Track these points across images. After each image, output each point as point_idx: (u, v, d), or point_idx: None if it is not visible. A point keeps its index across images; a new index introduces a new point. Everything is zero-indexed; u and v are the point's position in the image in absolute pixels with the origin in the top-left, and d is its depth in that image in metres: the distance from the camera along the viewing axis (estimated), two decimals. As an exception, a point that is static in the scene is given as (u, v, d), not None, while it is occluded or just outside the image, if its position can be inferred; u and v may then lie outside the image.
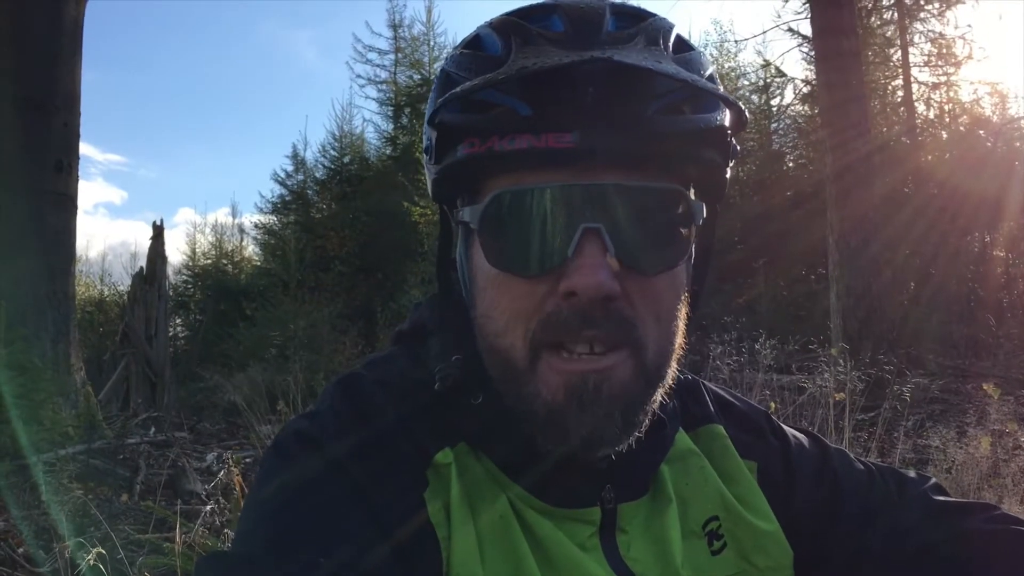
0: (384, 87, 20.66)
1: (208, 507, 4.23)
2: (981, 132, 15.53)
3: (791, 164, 18.07)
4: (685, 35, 0.89)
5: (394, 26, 20.47)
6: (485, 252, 0.82)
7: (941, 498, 1.04)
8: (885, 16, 17.52)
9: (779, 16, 22.11)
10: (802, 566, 0.98)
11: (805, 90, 17.36)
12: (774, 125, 18.53)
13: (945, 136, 16.51)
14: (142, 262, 12.62)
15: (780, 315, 12.82)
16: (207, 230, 23.18)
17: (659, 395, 0.85)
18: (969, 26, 19.12)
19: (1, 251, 7.60)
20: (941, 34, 16.78)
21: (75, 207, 8.30)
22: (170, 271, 15.62)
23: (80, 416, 7.18)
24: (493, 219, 0.81)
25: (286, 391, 6.88)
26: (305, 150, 22.17)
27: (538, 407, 0.80)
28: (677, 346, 0.87)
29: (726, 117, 0.84)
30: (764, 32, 25.29)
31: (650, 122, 0.78)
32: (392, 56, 20.54)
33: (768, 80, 18.50)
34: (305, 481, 0.80)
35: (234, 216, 24.85)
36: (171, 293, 16.54)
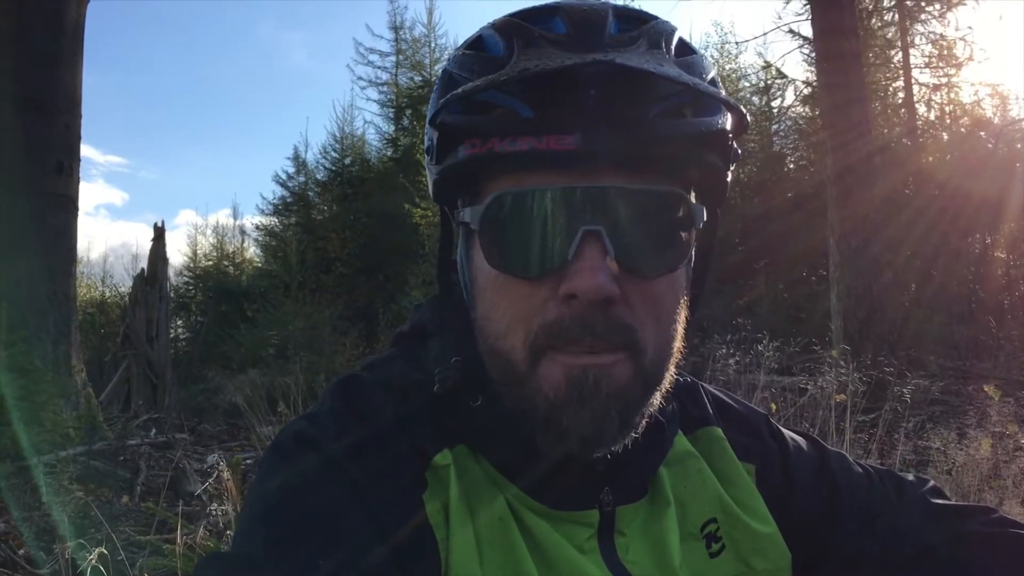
0: (385, 89, 20.68)
1: (209, 508, 4.23)
2: (982, 133, 15.54)
3: (792, 165, 18.06)
4: (686, 37, 0.90)
5: (395, 28, 20.49)
6: (485, 253, 0.82)
7: (940, 501, 1.04)
8: (886, 18, 17.53)
9: (780, 18, 22.16)
10: (800, 569, 0.98)
11: (806, 91, 17.37)
12: (775, 126, 18.53)
13: (946, 137, 16.52)
14: (143, 263, 12.61)
15: (781, 316, 12.83)
16: (208, 231, 23.20)
17: (657, 398, 0.85)
18: (970, 27, 19.24)
19: (2, 252, 7.61)
20: (942, 35, 16.80)
21: (76, 208, 8.30)
22: (171, 272, 15.62)
23: (81, 418, 7.18)
24: (493, 220, 0.81)
25: (287, 392, 6.88)
26: (306, 151, 22.19)
27: (539, 405, 0.80)
28: (676, 349, 0.87)
29: (727, 121, 0.84)
30: (765, 34, 25.32)
31: (651, 125, 0.78)
32: (393, 58, 20.55)
33: (769, 82, 18.50)
34: (304, 482, 0.80)
35: (235, 218, 24.91)
36: (172, 295, 16.53)
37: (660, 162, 0.80)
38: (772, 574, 0.96)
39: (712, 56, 18.71)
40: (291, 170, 20.77)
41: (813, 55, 13.24)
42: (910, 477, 1.10)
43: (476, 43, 0.89)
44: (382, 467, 0.82)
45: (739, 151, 0.89)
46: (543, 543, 0.85)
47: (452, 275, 0.98)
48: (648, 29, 0.84)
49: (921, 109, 17.28)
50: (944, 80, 17.12)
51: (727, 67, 19.13)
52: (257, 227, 21.34)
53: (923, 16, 16.93)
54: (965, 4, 15.88)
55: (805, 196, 14.68)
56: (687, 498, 0.97)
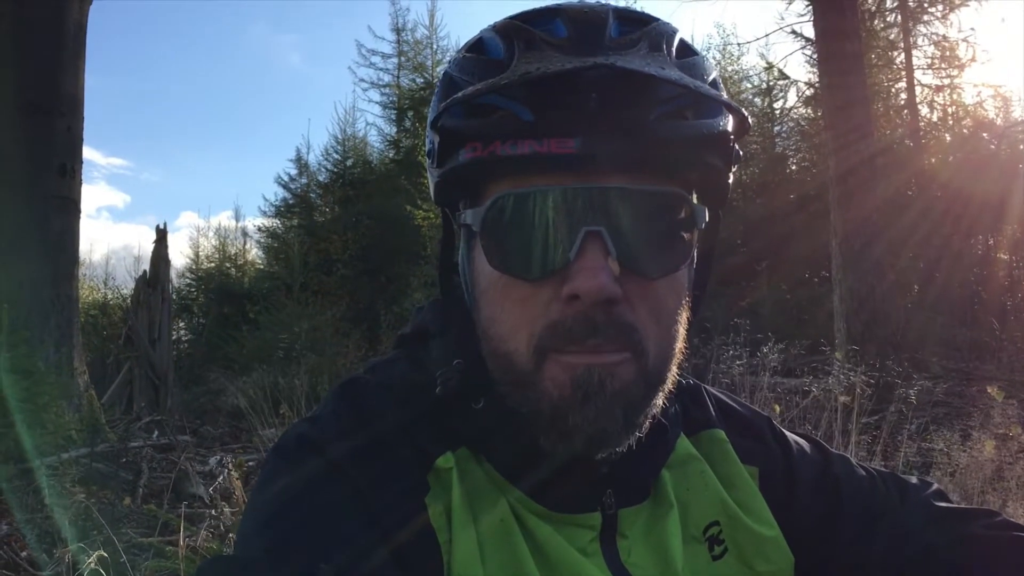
0: (387, 90, 20.69)
1: (211, 511, 4.23)
2: (984, 135, 15.51)
3: (794, 167, 18.05)
4: (688, 38, 0.89)
5: (397, 30, 20.50)
6: (487, 254, 0.82)
7: (943, 504, 1.04)
8: (888, 19, 17.52)
9: (782, 19, 22.09)
10: (803, 571, 0.98)
11: (808, 93, 17.35)
12: (777, 128, 18.52)
13: (948, 139, 16.49)
14: (145, 265, 12.60)
15: (783, 318, 12.80)
16: (210, 233, 23.23)
17: (660, 399, 0.85)
18: (972, 29, 19.18)
19: (4, 255, 7.62)
20: (944, 37, 16.78)
21: (78, 211, 8.31)
22: (173, 274, 15.61)
23: (83, 420, 7.19)
24: (495, 222, 0.81)
25: (289, 394, 6.88)
26: (308, 153, 22.20)
27: (543, 406, 0.80)
28: (678, 350, 0.87)
29: (729, 122, 0.84)
30: (767, 35, 25.35)
31: (652, 128, 0.78)
32: (395, 60, 20.56)
33: (771, 83, 18.49)
34: (306, 484, 0.80)
35: (237, 219, 24.87)
36: (174, 296, 16.52)
37: (661, 164, 0.80)
38: None
39: (714, 57, 18.71)
40: (293, 172, 20.81)
41: (815, 56, 13.22)
42: (913, 480, 1.10)
43: (477, 46, 0.89)
44: (384, 470, 0.82)
45: (740, 152, 0.89)
46: (545, 546, 0.85)
47: (454, 277, 0.98)
48: (649, 31, 0.83)
49: (923, 110, 17.28)
50: (946, 81, 17.11)
51: (729, 68, 19.14)
52: (259, 229, 21.35)
53: (925, 17, 16.93)
54: (967, 5, 15.92)
55: (807, 197, 14.66)
56: (689, 500, 0.97)
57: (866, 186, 9.44)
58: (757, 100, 18.76)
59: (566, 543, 0.85)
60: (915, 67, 17.09)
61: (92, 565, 2.63)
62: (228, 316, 17.58)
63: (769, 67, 18.15)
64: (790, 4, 16.86)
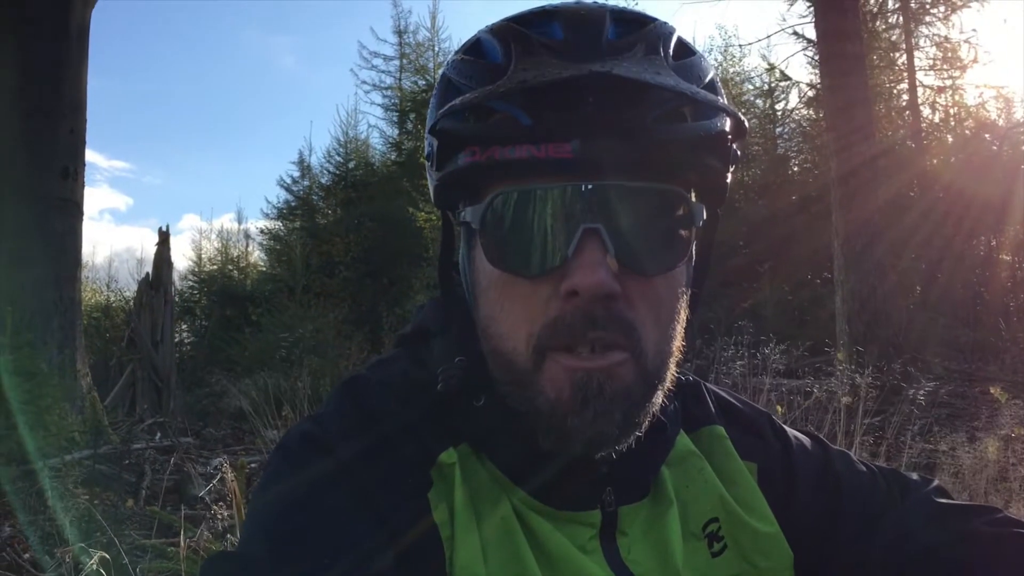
0: (389, 93, 20.69)
1: (212, 512, 4.23)
2: (986, 136, 15.51)
3: (796, 168, 18.05)
4: (689, 39, 0.90)
5: (399, 32, 20.50)
6: (486, 252, 0.83)
7: (944, 501, 1.03)
8: (890, 20, 17.52)
9: (784, 20, 22.17)
10: (803, 568, 0.98)
11: (810, 94, 17.36)
12: (779, 129, 18.52)
13: (950, 140, 16.50)
14: (148, 268, 12.62)
15: (785, 319, 12.79)
16: (212, 236, 23.24)
17: (659, 397, 0.85)
18: (974, 30, 19.20)
19: (8, 257, 7.63)
20: (946, 38, 16.78)
21: (81, 213, 8.32)
22: (176, 277, 15.62)
23: (86, 422, 7.19)
24: (494, 219, 0.82)
25: (292, 396, 6.88)
26: (310, 155, 22.23)
27: (542, 406, 0.80)
28: (676, 348, 0.87)
29: (726, 123, 0.84)
30: (769, 36, 25.23)
31: (650, 131, 0.79)
32: (397, 62, 20.56)
33: (773, 84, 18.49)
34: (310, 483, 0.80)
35: (239, 222, 24.92)
36: (177, 299, 16.54)
37: (659, 164, 0.80)
38: (774, 573, 0.96)
39: (716, 59, 18.73)
40: (295, 174, 20.84)
41: (817, 58, 13.21)
42: (914, 477, 1.10)
43: (475, 48, 0.89)
44: (388, 467, 0.82)
45: (739, 153, 0.89)
46: (546, 543, 0.85)
47: (454, 275, 0.98)
48: (646, 33, 0.84)
49: (925, 111, 17.26)
50: (948, 82, 17.10)
51: (731, 70, 19.14)
52: (261, 231, 21.35)
53: (927, 18, 16.93)
54: (969, 7, 15.90)
55: (809, 199, 14.66)
56: (689, 498, 0.97)
57: (868, 187, 9.44)
58: (759, 101, 18.76)
59: (567, 540, 0.86)
60: (917, 68, 17.09)
61: (94, 566, 2.63)
62: (230, 318, 17.59)
63: (771, 68, 18.15)
64: (792, 5, 16.95)
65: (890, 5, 17.28)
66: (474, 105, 0.79)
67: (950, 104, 17.29)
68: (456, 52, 0.92)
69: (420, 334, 0.99)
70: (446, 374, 0.87)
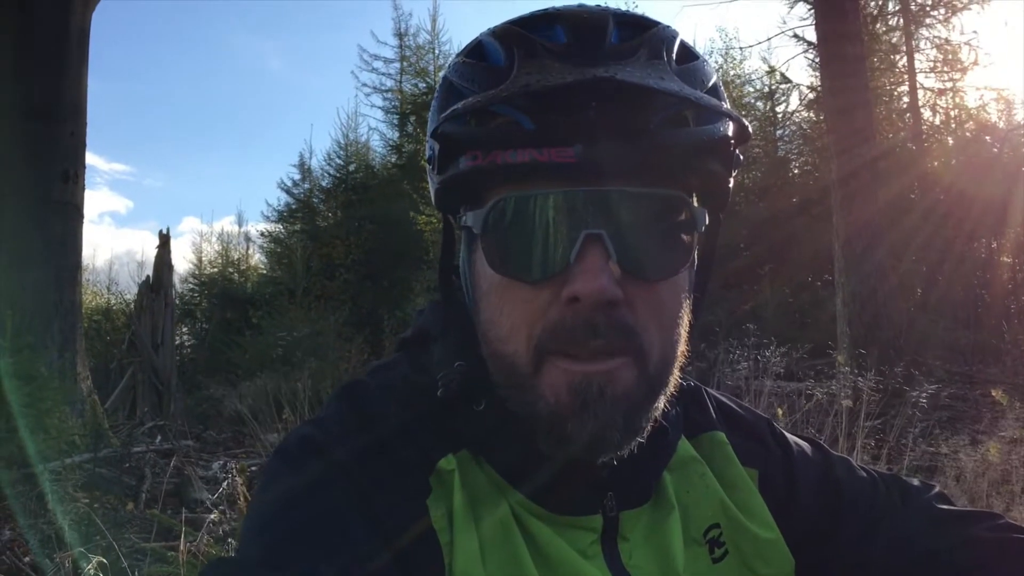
0: (390, 95, 20.70)
1: (212, 515, 4.23)
2: (987, 138, 15.50)
3: (796, 170, 18.06)
4: (690, 42, 0.89)
5: (399, 35, 20.52)
6: (487, 257, 0.82)
7: (945, 506, 1.03)
8: (890, 22, 17.53)
9: (784, 22, 22.23)
10: (804, 574, 0.98)
11: (810, 96, 17.37)
12: (779, 131, 18.53)
13: (951, 142, 16.49)
14: (148, 271, 12.64)
15: (786, 321, 12.79)
16: (213, 238, 23.27)
17: (662, 402, 0.85)
18: (975, 32, 19.22)
19: (8, 260, 7.64)
20: (947, 40, 16.79)
21: (81, 216, 8.33)
22: (176, 280, 15.66)
23: (86, 425, 7.20)
24: (495, 224, 0.81)
25: (292, 399, 6.88)
26: (311, 158, 22.23)
27: (541, 410, 0.80)
28: (679, 353, 0.87)
29: (729, 127, 0.84)
30: (769, 39, 25.23)
31: (652, 135, 0.78)
32: (397, 64, 20.58)
33: (773, 87, 18.51)
34: (308, 487, 0.80)
35: (240, 224, 24.92)
36: (177, 302, 16.56)
37: (661, 169, 0.80)
38: None
39: (716, 61, 18.74)
40: (296, 177, 20.87)
41: (817, 60, 13.22)
42: (915, 482, 1.09)
43: (476, 51, 0.88)
44: (387, 472, 0.82)
45: (741, 157, 0.89)
46: (546, 548, 0.85)
47: (454, 279, 0.98)
48: (649, 37, 0.83)
49: (926, 114, 17.28)
50: (949, 84, 17.11)
51: (732, 72, 19.15)
52: (262, 234, 21.42)
53: (927, 21, 16.93)
54: (970, 9, 15.90)
55: (810, 201, 14.66)
56: (690, 503, 0.96)
57: (868, 189, 9.44)
58: (759, 104, 18.77)
59: (567, 545, 0.85)
60: (917, 70, 17.10)
61: (93, 570, 2.63)
62: (231, 321, 17.62)
63: (771, 71, 18.17)
64: (792, 8, 16.98)
65: (890, 7, 17.30)
66: (476, 109, 0.79)
67: (951, 106, 17.31)
68: (457, 55, 0.92)
69: (420, 338, 0.98)
70: (446, 378, 0.86)
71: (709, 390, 1.11)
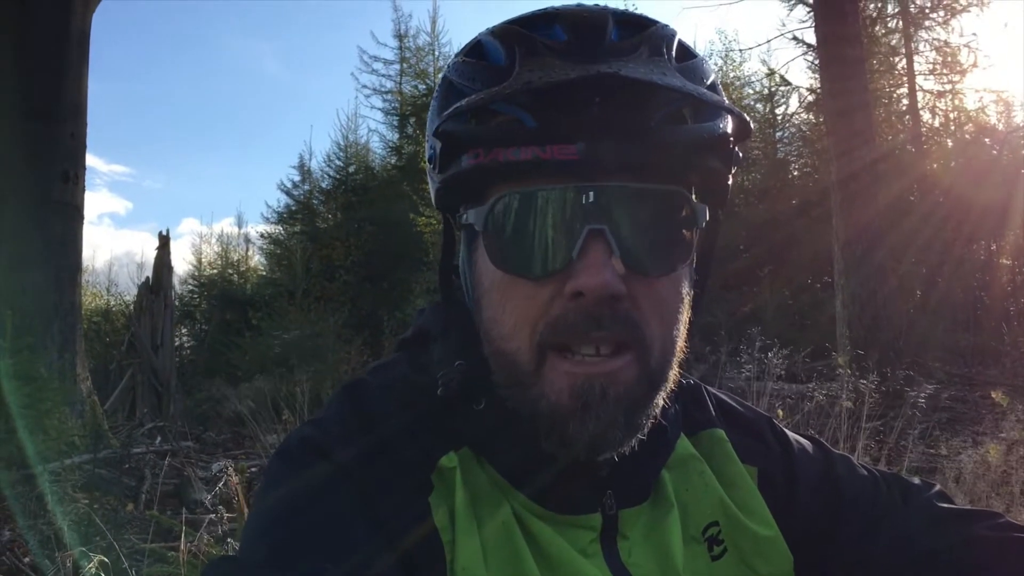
0: (389, 97, 20.68)
1: (211, 516, 4.23)
2: (986, 140, 15.51)
3: (796, 172, 18.07)
4: (690, 43, 0.89)
5: (399, 36, 20.49)
6: (489, 254, 0.83)
7: (945, 505, 1.03)
8: (890, 24, 17.54)
9: (784, 25, 22.17)
10: (803, 572, 0.98)
11: (810, 99, 17.37)
12: (779, 134, 18.53)
13: (950, 144, 16.49)
14: (148, 272, 12.65)
15: (785, 323, 12.79)
16: (212, 240, 23.26)
17: (661, 398, 0.85)
18: (974, 34, 19.20)
19: (8, 261, 7.64)
20: (946, 42, 16.79)
21: (81, 217, 8.33)
22: (176, 281, 15.64)
23: (86, 426, 7.20)
24: (497, 221, 0.81)
25: (291, 401, 6.88)
26: (311, 160, 22.21)
27: (543, 409, 0.80)
28: (680, 349, 0.87)
29: (728, 124, 0.84)
30: (769, 41, 25.28)
31: (654, 132, 0.79)
32: (397, 66, 20.56)
33: (773, 89, 18.51)
34: (310, 488, 0.80)
35: (239, 226, 24.92)
36: (177, 303, 16.54)
37: (662, 166, 0.80)
38: None
39: (716, 63, 18.74)
40: (296, 178, 20.83)
41: (817, 62, 13.22)
42: (915, 481, 1.09)
43: (476, 50, 0.88)
44: (388, 471, 0.82)
45: (740, 155, 0.89)
46: (546, 547, 0.85)
47: (454, 279, 0.98)
48: (648, 35, 0.83)
49: (925, 116, 17.28)
50: (948, 87, 17.11)
51: (731, 74, 19.16)
52: (261, 235, 21.37)
53: (927, 23, 16.93)
54: (969, 11, 15.91)
55: (809, 203, 14.67)
56: (689, 501, 0.97)
57: (868, 191, 9.45)
58: (759, 106, 18.76)
59: (567, 544, 0.85)
60: (916, 72, 17.10)
61: (93, 570, 2.63)
62: (230, 322, 17.60)
63: (771, 73, 18.18)
64: (792, 10, 16.96)
65: (890, 10, 17.30)
66: (479, 107, 0.79)
67: (950, 108, 17.31)
68: (457, 55, 0.92)
69: (420, 338, 0.98)
70: (446, 378, 0.86)
71: (709, 388, 1.11)
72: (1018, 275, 13.59)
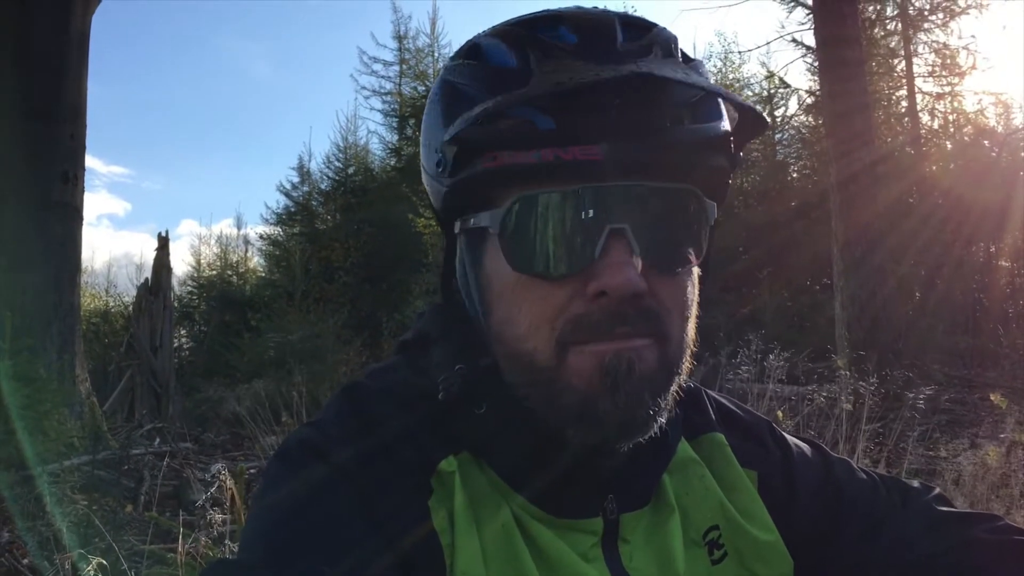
0: (389, 98, 20.69)
1: (209, 517, 4.23)
2: (985, 142, 15.53)
3: (795, 174, 18.09)
4: (690, 46, 0.90)
5: (399, 37, 20.51)
6: (507, 256, 0.82)
7: (945, 508, 1.03)
8: (889, 27, 17.57)
9: (783, 27, 22.20)
10: (803, 575, 0.98)
11: (809, 101, 17.38)
12: (778, 136, 18.52)
13: (949, 146, 16.52)
14: (147, 273, 12.65)
15: (785, 325, 12.80)
16: (212, 241, 23.26)
17: (676, 386, 0.86)
18: (973, 36, 19.20)
19: (7, 262, 7.64)
20: (945, 44, 16.81)
21: (81, 218, 8.34)
22: (175, 282, 15.65)
23: (85, 427, 7.19)
24: (515, 223, 0.81)
25: (290, 402, 6.88)
26: (310, 161, 22.22)
27: (570, 400, 0.80)
28: (692, 341, 0.88)
29: (727, 124, 0.85)
30: (768, 43, 25.22)
31: (669, 131, 0.79)
32: (397, 67, 20.57)
33: (772, 91, 18.52)
34: (309, 489, 0.80)
35: (238, 227, 24.88)
36: (176, 304, 16.55)
37: (675, 163, 0.81)
38: None
39: (715, 65, 18.79)
40: (295, 180, 20.83)
41: (816, 64, 13.24)
42: (915, 484, 1.09)
43: (476, 53, 0.88)
44: (388, 474, 0.82)
45: (742, 154, 0.89)
46: (547, 551, 0.84)
47: (454, 282, 0.98)
48: (656, 36, 0.84)
49: (924, 118, 17.30)
50: (947, 89, 17.13)
51: (731, 76, 19.18)
52: (261, 237, 21.36)
53: (926, 25, 16.96)
54: (968, 13, 15.94)
55: (809, 205, 14.68)
56: (690, 505, 0.97)
57: (867, 193, 9.46)
58: (758, 108, 18.74)
59: (568, 548, 0.85)
60: (916, 75, 17.14)
61: (92, 572, 2.63)
62: (230, 324, 17.58)
63: (770, 75, 18.20)
64: (791, 12, 16.97)
65: (889, 12, 17.33)
66: (500, 111, 0.78)
67: (949, 110, 17.33)
68: (453, 58, 0.91)
69: (420, 341, 0.98)
70: (447, 382, 0.86)
71: (709, 392, 1.12)
72: (1017, 277, 13.60)
